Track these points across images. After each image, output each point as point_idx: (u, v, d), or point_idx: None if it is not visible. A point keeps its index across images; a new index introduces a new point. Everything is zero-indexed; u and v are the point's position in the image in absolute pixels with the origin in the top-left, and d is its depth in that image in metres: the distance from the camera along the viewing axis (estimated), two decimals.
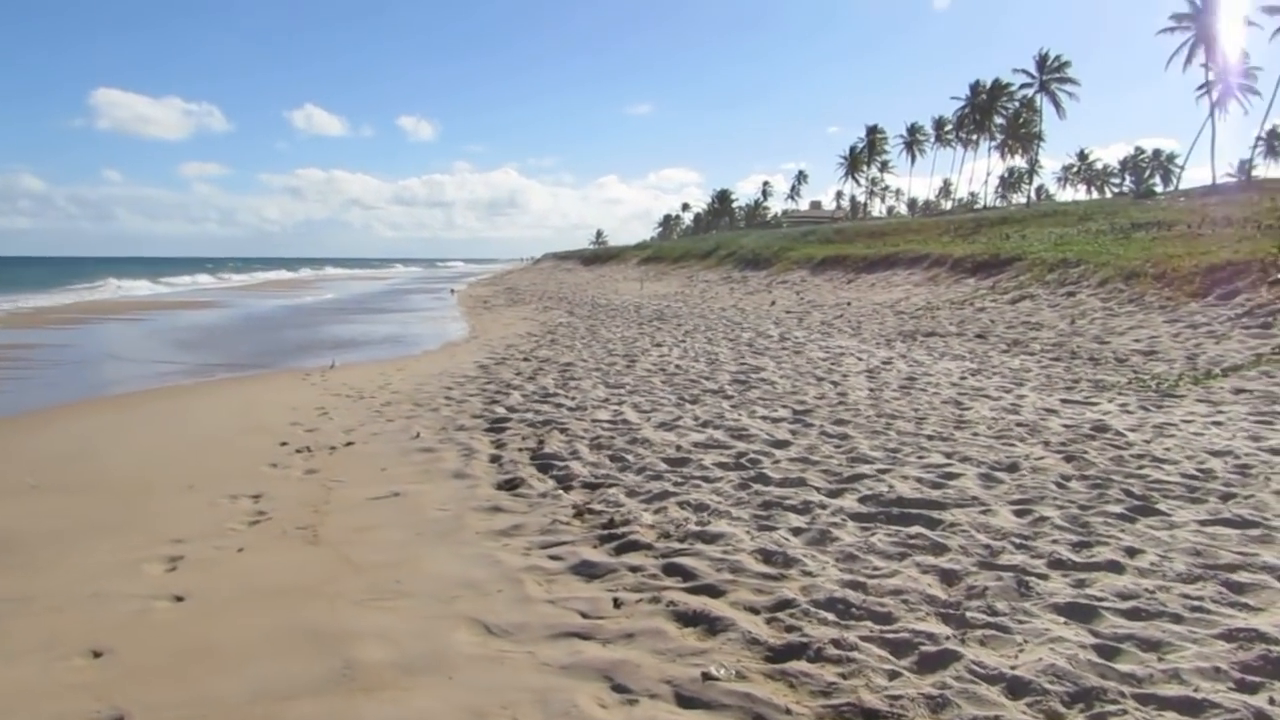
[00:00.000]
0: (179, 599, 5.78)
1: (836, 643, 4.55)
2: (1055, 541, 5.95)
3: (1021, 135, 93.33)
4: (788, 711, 4.05)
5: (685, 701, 4.24)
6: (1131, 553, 5.69)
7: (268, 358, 20.65)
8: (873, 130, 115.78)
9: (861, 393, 12.15)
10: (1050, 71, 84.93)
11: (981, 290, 26.28)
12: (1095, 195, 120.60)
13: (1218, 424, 9.45)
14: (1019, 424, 9.78)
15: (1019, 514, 6.61)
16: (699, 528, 6.53)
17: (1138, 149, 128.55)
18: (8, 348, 22.00)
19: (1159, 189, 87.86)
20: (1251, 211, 31.73)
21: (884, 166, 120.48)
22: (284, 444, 10.18)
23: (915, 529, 6.30)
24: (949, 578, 5.43)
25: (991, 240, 38.24)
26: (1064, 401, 11.18)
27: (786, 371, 14.44)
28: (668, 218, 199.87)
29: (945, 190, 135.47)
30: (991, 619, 4.78)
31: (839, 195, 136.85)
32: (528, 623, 5.20)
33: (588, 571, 5.95)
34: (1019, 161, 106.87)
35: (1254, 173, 79.72)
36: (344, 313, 39.29)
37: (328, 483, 8.55)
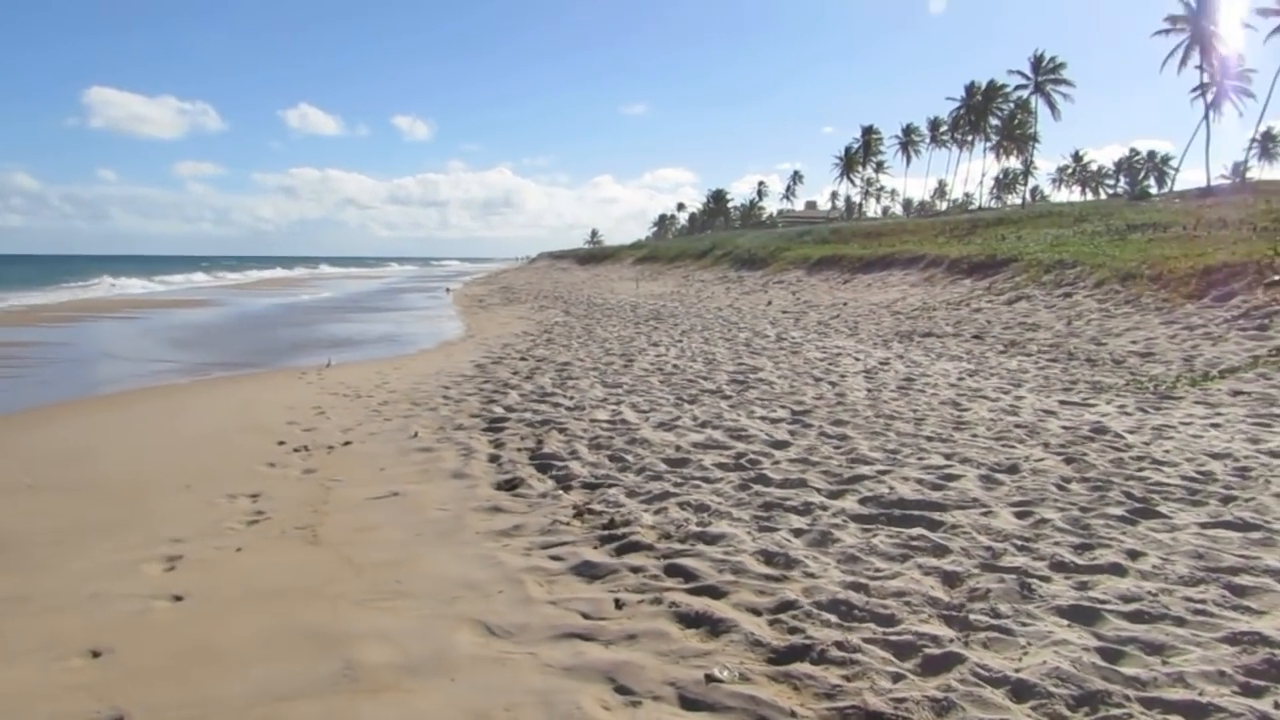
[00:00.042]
0: (178, 599, 5.75)
1: (840, 645, 4.55)
2: (1057, 544, 5.95)
3: (1016, 136, 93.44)
4: (792, 714, 4.04)
5: (689, 703, 4.23)
6: (1133, 555, 5.69)
7: (264, 356, 20.59)
8: (868, 131, 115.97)
9: (860, 393, 12.15)
10: (1045, 73, 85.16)
11: (978, 291, 26.29)
12: (1090, 196, 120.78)
13: (1216, 426, 9.46)
14: (1018, 425, 9.78)
15: (1020, 516, 6.61)
16: (700, 528, 6.52)
17: (1132, 150, 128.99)
18: (2, 345, 21.92)
19: (1153, 191, 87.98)
20: (1247, 213, 31.82)
21: (879, 167, 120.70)
22: (281, 443, 10.15)
23: (917, 530, 6.29)
24: (951, 579, 5.43)
25: (987, 241, 38.28)
26: (1062, 403, 11.19)
27: (784, 372, 14.43)
28: (663, 217, 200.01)
29: (940, 191, 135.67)
30: (994, 621, 4.77)
31: (834, 195, 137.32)
32: (529, 624, 5.18)
33: (589, 572, 5.94)
34: (1014, 163, 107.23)
35: (1248, 175, 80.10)
36: (340, 311, 39.22)
37: (326, 482, 8.53)
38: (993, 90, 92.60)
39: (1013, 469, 7.92)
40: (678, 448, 9.08)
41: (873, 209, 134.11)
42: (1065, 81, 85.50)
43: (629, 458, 8.77)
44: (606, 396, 12.41)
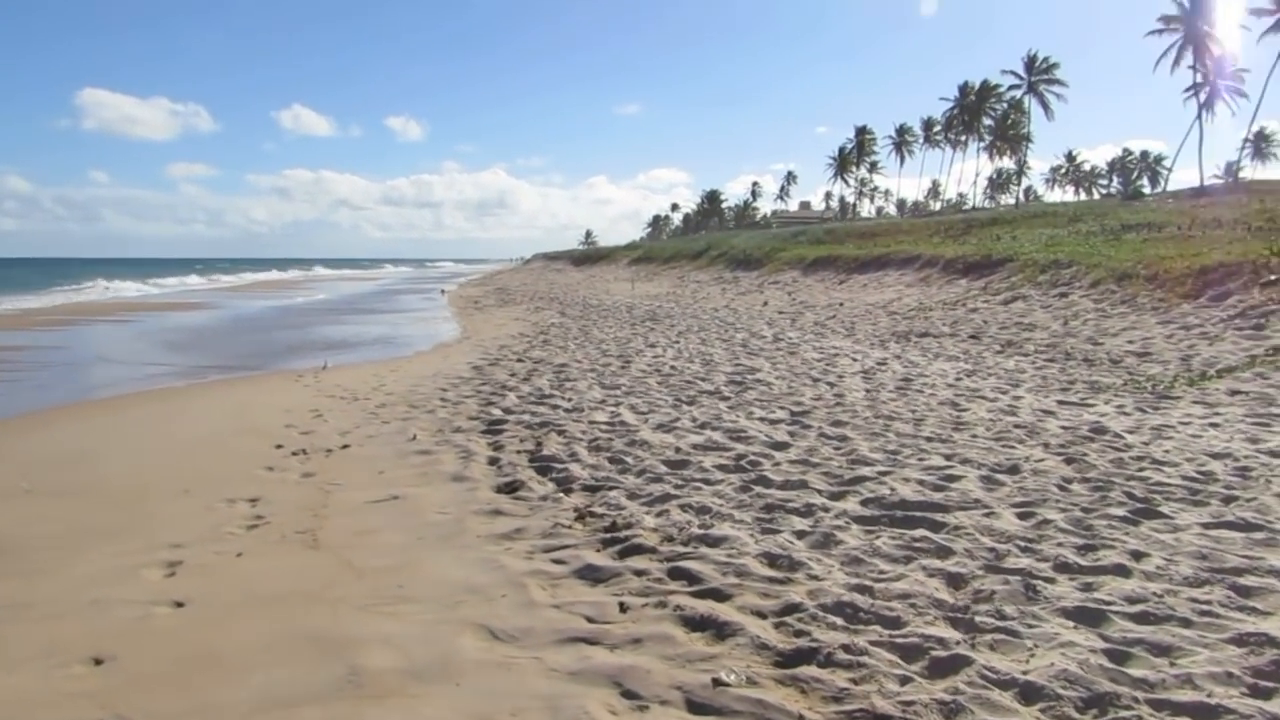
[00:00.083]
0: (179, 605, 5.73)
1: (846, 648, 4.53)
2: (1060, 545, 5.94)
3: (1010, 136, 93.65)
4: (800, 718, 4.02)
5: (696, 708, 4.21)
6: (1137, 556, 5.69)
7: (259, 359, 20.55)
8: (862, 131, 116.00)
9: (858, 394, 12.15)
10: (1038, 73, 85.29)
11: (974, 291, 26.32)
12: (1083, 196, 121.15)
13: (1215, 426, 9.47)
14: (1017, 425, 9.78)
15: (1022, 517, 6.60)
16: (702, 531, 6.50)
17: (1125, 150, 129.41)
18: None
19: (1146, 190, 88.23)
20: (1241, 213, 31.91)
21: (873, 167, 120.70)
22: (279, 446, 10.12)
23: (919, 532, 6.28)
24: (955, 581, 5.42)
25: (982, 241, 38.32)
26: (1060, 403, 11.19)
27: (782, 372, 14.43)
28: (657, 218, 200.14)
29: (934, 191, 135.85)
30: (1000, 623, 4.76)
31: (828, 196, 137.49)
32: (533, 628, 5.16)
33: (592, 575, 5.92)
34: (1007, 163, 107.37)
35: (1241, 174, 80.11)
36: (335, 313, 39.17)
37: (325, 486, 8.50)
38: (986, 90, 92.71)
39: (1013, 469, 7.91)
40: (677, 449, 9.06)
41: (866, 209, 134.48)
42: (1059, 81, 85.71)
43: (629, 460, 8.75)
44: (605, 398, 12.39)
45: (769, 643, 4.72)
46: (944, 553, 5.89)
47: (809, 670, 4.40)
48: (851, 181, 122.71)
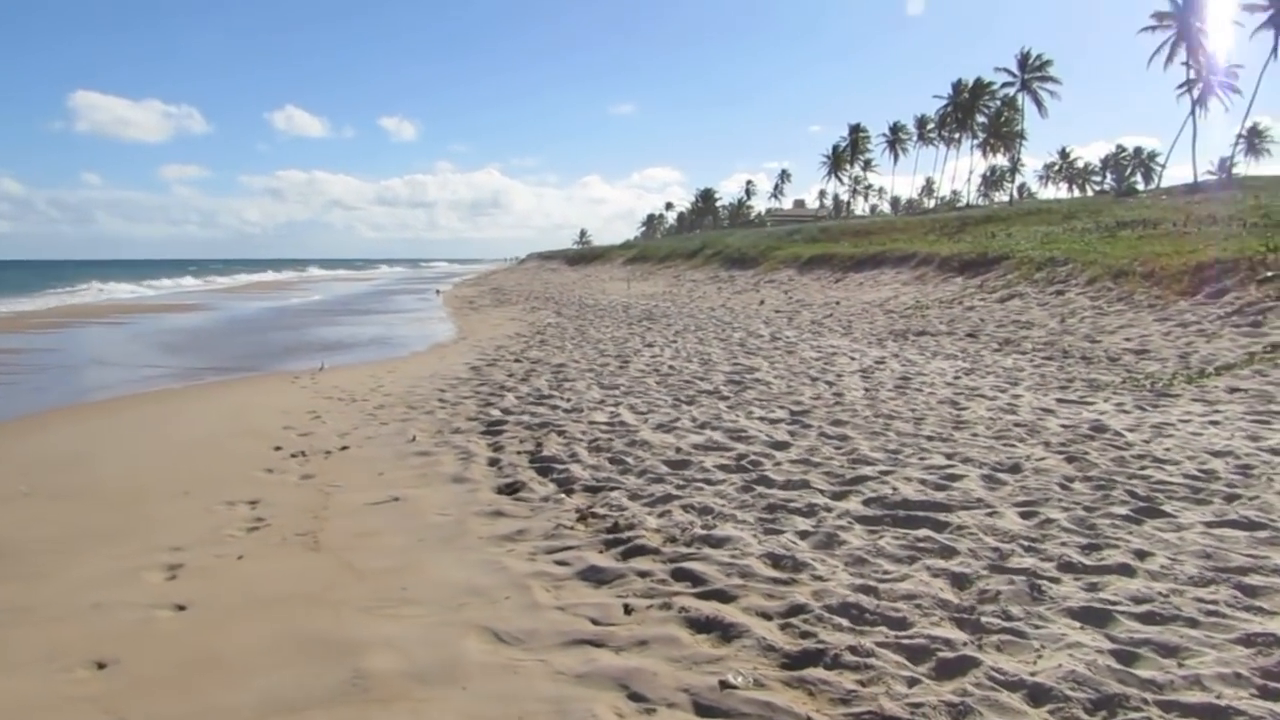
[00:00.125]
0: (181, 608, 5.70)
1: (853, 649, 4.52)
2: (1064, 544, 5.93)
3: (1003, 134, 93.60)
4: None
5: (704, 710, 4.19)
6: (1141, 555, 5.68)
7: (256, 360, 20.49)
8: (855, 129, 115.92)
9: (857, 393, 12.14)
10: (1032, 70, 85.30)
11: (970, 289, 26.33)
12: (1077, 193, 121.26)
13: (1215, 424, 9.48)
14: (1017, 424, 9.78)
15: (1025, 516, 6.59)
16: (705, 531, 6.49)
17: (1119, 147, 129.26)
18: None
19: (1140, 187, 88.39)
20: (1236, 209, 31.95)
21: (867, 165, 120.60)
22: (278, 448, 10.09)
23: (923, 532, 6.27)
24: (960, 581, 5.40)
25: (977, 239, 38.36)
26: (1060, 401, 11.19)
27: (780, 372, 14.42)
28: (651, 217, 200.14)
29: (928, 188, 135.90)
30: (1007, 624, 4.75)
31: (822, 194, 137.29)
32: (538, 630, 5.14)
33: (595, 577, 5.90)
34: (1001, 160, 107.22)
35: (1235, 170, 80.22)
36: (330, 314, 39.08)
37: (325, 488, 8.47)
38: (980, 88, 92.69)
39: (1015, 468, 7.91)
40: (678, 449, 9.04)
41: (860, 207, 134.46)
42: (1052, 79, 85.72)
43: (629, 460, 8.74)
44: (604, 398, 12.37)
45: (775, 644, 4.70)
46: (948, 553, 5.88)
47: (816, 672, 4.38)
48: (845, 179, 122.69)
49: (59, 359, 21.33)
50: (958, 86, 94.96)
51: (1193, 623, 4.68)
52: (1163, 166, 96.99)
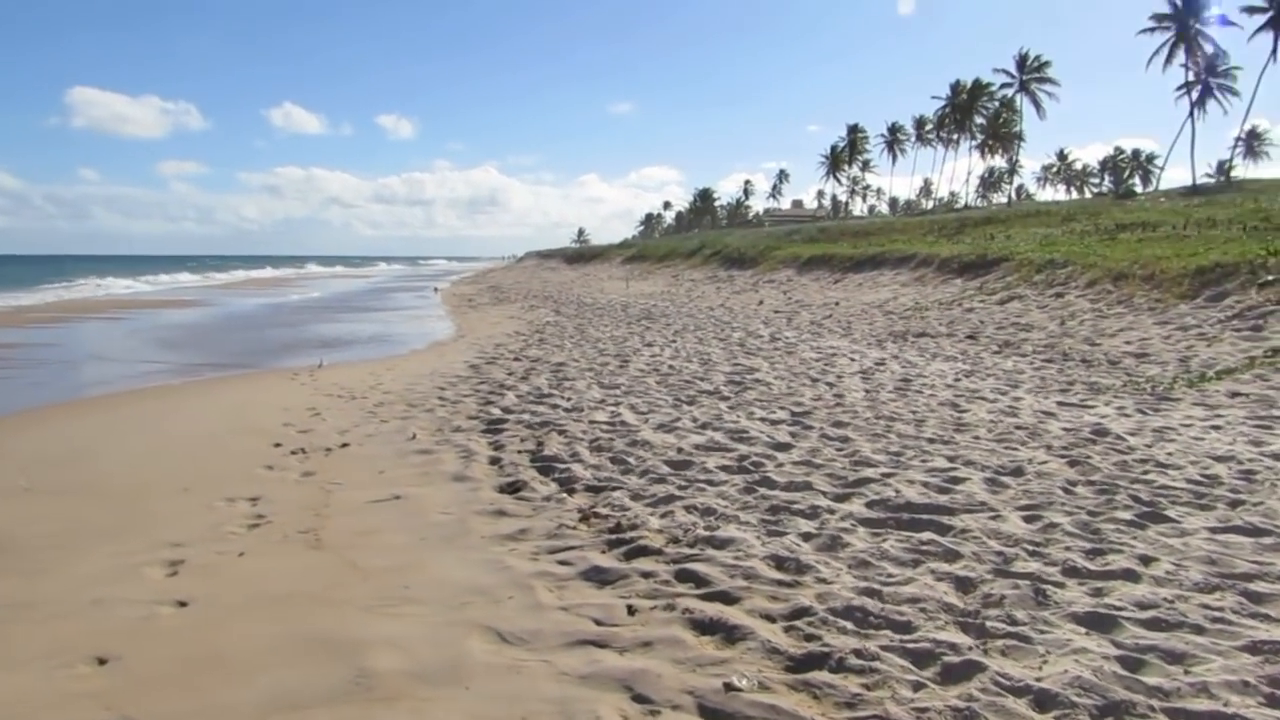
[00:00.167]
0: (182, 605, 5.69)
1: (858, 653, 4.51)
2: (1068, 549, 5.92)
3: (1002, 135, 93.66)
4: None
5: (709, 713, 4.18)
6: (1145, 561, 5.67)
7: (255, 357, 20.47)
8: (854, 129, 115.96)
9: (858, 394, 12.13)
10: (1030, 71, 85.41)
11: (969, 291, 26.31)
12: (1074, 195, 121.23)
13: (1217, 428, 9.46)
14: (1018, 427, 9.77)
15: (1028, 520, 6.58)
16: (708, 533, 6.48)
17: (1117, 149, 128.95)
18: None
19: (1138, 189, 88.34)
20: (1235, 212, 31.98)
21: (865, 165, 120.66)
22: (278, 445, 10.07)
23: (926, 534, 6.26)
24: (964, 585, 5.39)
25: (976, 240, 38.37)
26: (1060, 404, 11.18)
27: (781, 372, 14.40)
28: (649, 216, 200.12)
29: (926, 189, 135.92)
30: (1011, 628, 4.74)
31: (820, 194, 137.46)
32: (542, 630, 5.13)
33: (599, 577, 5.88)
34: (999, 161, 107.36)
35: (1233, 173, 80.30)
36: (329, 311, 39.06)
37: (326, 485, 8.45)
38: (978, 89, 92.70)
39: (1017, 472, 7.89)
40: (679, 450, 9.03)
41: (859, 207, 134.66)
42: (1050, 80, 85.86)
43: (631, 460, 8.72)
44: (604, 398, 12.35)
45: (780, 647, 4.69)
46: (951, 556, 5.87)
47: (821, 675, 4.37)
48: (844, 180, 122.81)
49: (57, 354, 21.30)
50: (956, 87, 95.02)
51: (1199, 629, 4.67)
52: (1161, 169, 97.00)
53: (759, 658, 4.62)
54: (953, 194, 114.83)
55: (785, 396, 12.08)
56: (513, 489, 8.09)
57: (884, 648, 4.58)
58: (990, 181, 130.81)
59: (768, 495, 7.36)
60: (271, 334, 27.19)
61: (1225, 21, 67.40)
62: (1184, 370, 13.29)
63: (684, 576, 5.74)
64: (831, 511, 6.88)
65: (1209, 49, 69.41)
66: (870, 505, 7.02)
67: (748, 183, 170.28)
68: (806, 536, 6.35)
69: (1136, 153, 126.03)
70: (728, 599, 5.35)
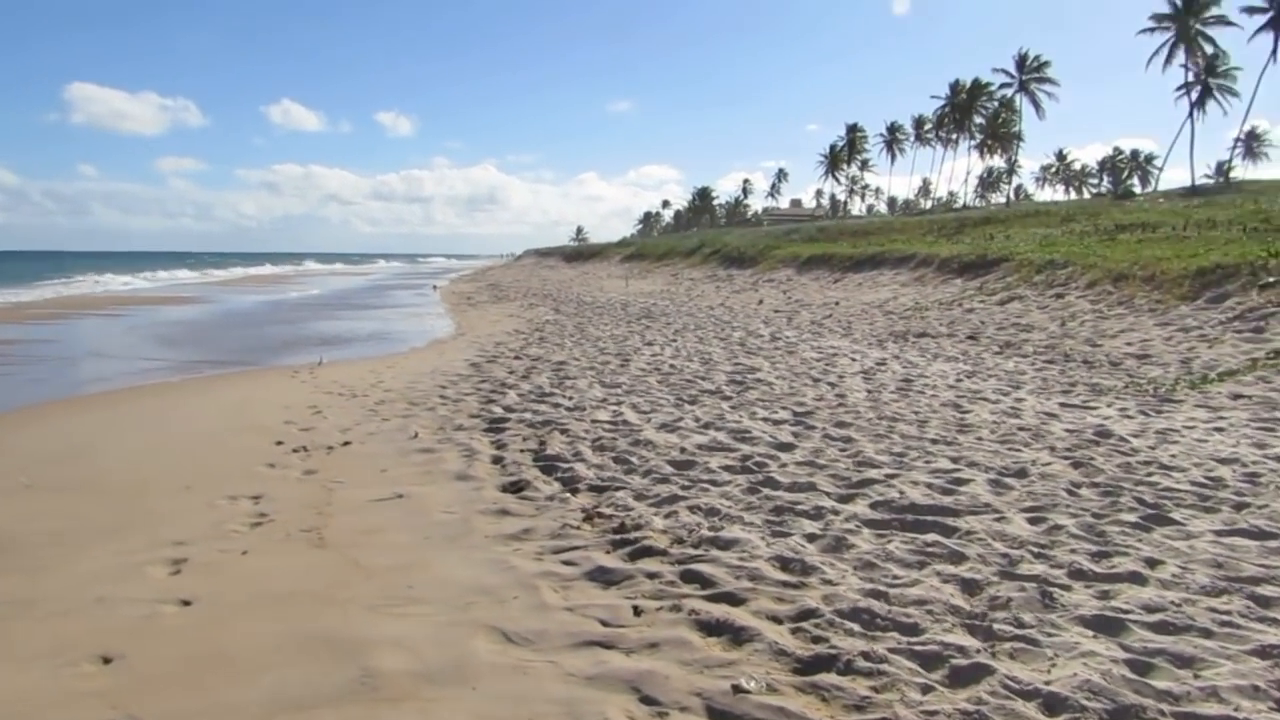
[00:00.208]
0: (186, 603, 5.67)
1: (866, 655, 4.49)
2: (1074, 551, 5.91)
3: (1001, 135, 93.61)
4: None
5: (716, 715, 4.16)
6: (1151, 563, 5.66)
7: (255, 354, 20.44)
8: (853, 129, 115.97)
9: (859, 394, 12.12)
10: (1029, 71, 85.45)
11: (969, 291, 26.30)
12: (1073, 195, 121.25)
13: (1220, 430, 9.45)
14: (1021, 428, 9.76)
15: (1033, 522, 6.57)
16: (712, 533, 6.46)
17: (1116, 150, 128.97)
18: None
19: (1137, 190, 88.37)
20: (1235, 213, 31.98)
21: (864, 165, 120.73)
22: (279, 443, 10.05)
23: (931, 536, 6.24)
24: (971, 587, 5.38)
25: (976, 240, 38.38)
26: (1063, 405, 11.17)
27: (782, 372, 14.39)
28: (648, 215, 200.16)
29: (925, 189, 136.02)
30: (1019, 631, 4.73)
31: (819, 194, 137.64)
32: (547, 630, 5.11)
33: (604, 578, 5.87)
34: (998, 161, 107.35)
35: (1232, 174, 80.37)
36: (328, 308, 39.01)
37: (328, 484, 8.43)
38: (977, 88, 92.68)
39: (1021, 473, 7.88)
40: (682, 449, 9.01)
41: (858, 207, 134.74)
42: (1050, 80, 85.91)
43: (634, 459, 8.71)
44: (606, 397, 12.34)
45: (787, 649, 4.67)
46: (957, 558, 5.86)
47: (829, 678, 4.36)
48: (843, 179, 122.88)
49: (56, 350, 21.28)
50: (955, 87, 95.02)
51: (1207, 633, 4.66)
52: (1160, 169, 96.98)
53: (766, 659, 4.61)
54: (951, 194, 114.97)
55: (787, 396, 12.06)
56: (516, 488, 8.08)
57: (892, 650, 4.56)
58: (989, 181, 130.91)
59: (771, 496, 7.34)
60: (271, 331, 27.15)
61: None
62: (1186, 372, 13.28)
63: (689, 577, 5.73)
64: (836, 512, 6.86)
65: (1209, 49, 69.44)
66: (874, 506, 7.00)
67: (746, 182, 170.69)
68: (811, 538, 6.33)
69: (1135, 153, 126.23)
70: (734, 600, 5.34)
